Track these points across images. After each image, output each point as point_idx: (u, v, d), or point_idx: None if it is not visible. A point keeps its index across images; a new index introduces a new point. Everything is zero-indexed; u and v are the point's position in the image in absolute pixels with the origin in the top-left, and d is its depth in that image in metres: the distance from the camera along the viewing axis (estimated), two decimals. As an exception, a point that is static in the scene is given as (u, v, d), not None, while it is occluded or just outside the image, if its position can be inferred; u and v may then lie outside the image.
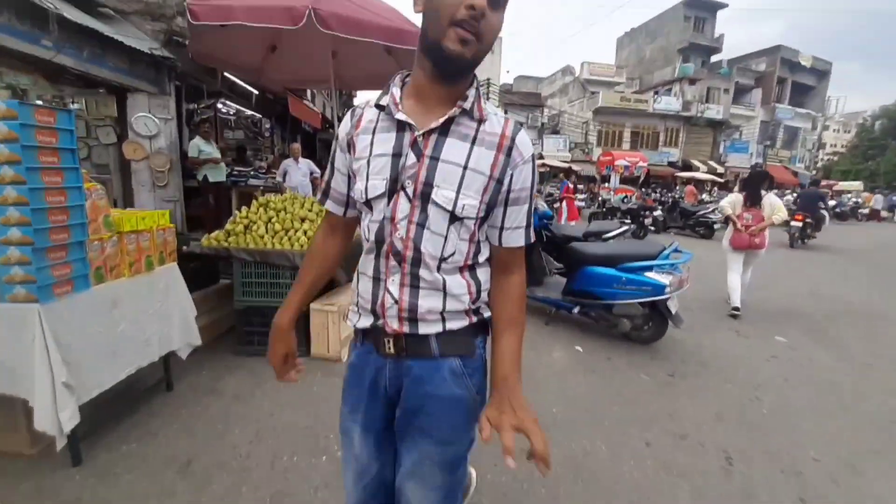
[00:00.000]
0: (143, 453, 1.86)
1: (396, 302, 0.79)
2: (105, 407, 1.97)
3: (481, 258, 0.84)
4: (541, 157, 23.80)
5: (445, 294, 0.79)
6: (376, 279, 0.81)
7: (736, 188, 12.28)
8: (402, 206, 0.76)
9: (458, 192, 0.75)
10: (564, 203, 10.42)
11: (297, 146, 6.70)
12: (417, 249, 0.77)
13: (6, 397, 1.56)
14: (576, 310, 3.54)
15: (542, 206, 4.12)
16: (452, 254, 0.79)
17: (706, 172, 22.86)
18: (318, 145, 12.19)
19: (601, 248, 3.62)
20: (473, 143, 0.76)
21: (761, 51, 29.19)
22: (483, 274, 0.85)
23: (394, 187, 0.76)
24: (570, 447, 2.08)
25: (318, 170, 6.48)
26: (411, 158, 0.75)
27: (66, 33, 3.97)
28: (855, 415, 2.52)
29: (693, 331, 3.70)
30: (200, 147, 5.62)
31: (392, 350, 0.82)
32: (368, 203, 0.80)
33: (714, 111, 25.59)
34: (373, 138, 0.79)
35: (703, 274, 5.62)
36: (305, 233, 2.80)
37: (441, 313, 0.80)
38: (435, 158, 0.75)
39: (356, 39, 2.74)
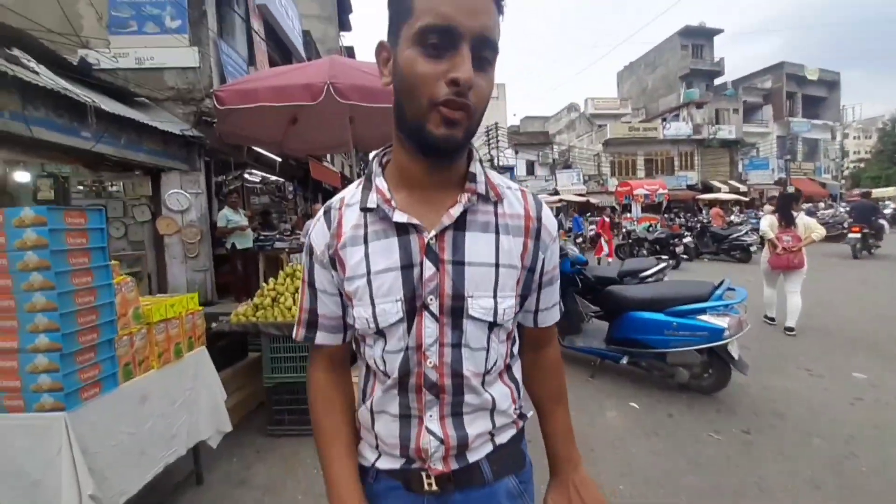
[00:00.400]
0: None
1: (442, 442, 0.63)
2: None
3: (515, 350, 0.73)
4: (556, 192, 23.91)
5: (493, 411, 0.66)
6: (405, 417, 0.64)
7: (766, 207, 11.83)
8: (429, 328, 0.60)
9: (495, 297, 0.61)
10: (602, 240, 10.00)
11: (318, 206, 6.86)
12: (458, 374, 0.62)
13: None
14: (624, 360, 3.26)
15: (574, 250, 3.96)
16: (495, 362, 0.65)
17: (729, 192, 22.36)
18: (337, 201, 12.55)
19: (644, 290, 3.39)
20: (497, 232, 0.62)
21: (765, 69, 29.40)
22: (517, 369, 0.73)
23: (413, 307, 0.60)
24: (649, 537, 1.78)
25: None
26: (429, 268, 0.59)
27: (104, 124, 4.26)
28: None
29: (759, 373, 3.34)
30: (228, 217, 5.81)
31: (435, 488, 0.65)
32: (379, 331, 0.62)
33: (726, 131, 25.47)
34: (367, 249, 0.61)
35: (753, 305, 5.22)
36: (333, 300, 2.72)
37: (490, 433, 0.67)
38: (459, 263, 0.60)
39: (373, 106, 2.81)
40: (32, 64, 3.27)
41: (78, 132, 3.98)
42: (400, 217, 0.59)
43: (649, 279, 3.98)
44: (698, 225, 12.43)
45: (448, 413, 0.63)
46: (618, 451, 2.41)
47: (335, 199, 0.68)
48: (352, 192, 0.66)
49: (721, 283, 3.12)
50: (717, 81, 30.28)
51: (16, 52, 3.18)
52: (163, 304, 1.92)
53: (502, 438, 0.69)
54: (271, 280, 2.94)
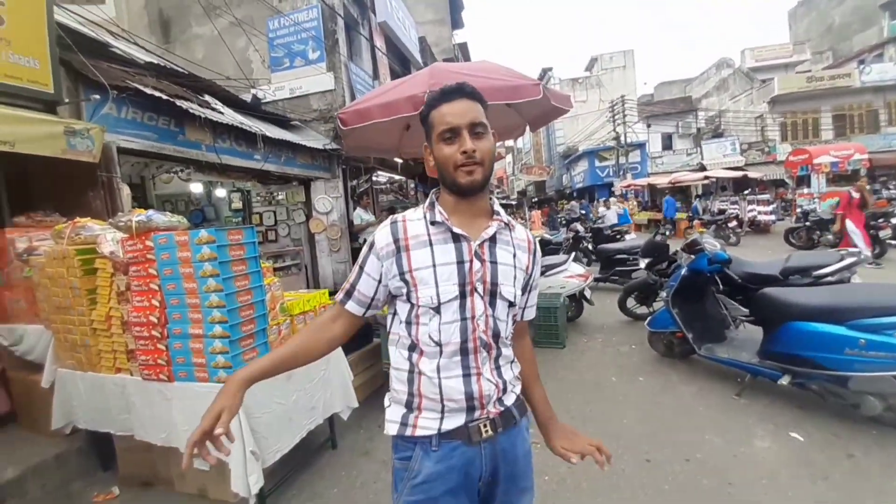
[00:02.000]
0: (310, 518, 2.05)
1: (496, 385, 0.92)
2: (285, 464, 2.28)
3: (512, 329, 1.03)
4: (702, 167, 20.40)
5: (512, 363, 1.00)
6: (467, 376, 0.89)
7: None
8: (479, 304, 0.90)
9: (514, 286, 0.94)
10: (850, 223, 7.05)
11: (437, 202, 7.28)
12: (497, 335, 0.93)
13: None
14: (784, 379, 2.63)
15: (712, 245, 3.33)
16: (509, 330, 0.97)
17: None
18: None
19: (816, 294, 2.67)
20: (514, 247, 0.96)
21: None
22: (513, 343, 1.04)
23: (463, 290, 0.88)
24: None
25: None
26: (477, 264, 0.89)
27: (269, 147, 5.24)
28: None
29: None
30: (362, 216, 6.63)
31: (489, 432, 0.90)
32: (438, 307, 0.88)
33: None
34: (432, 249, 0.89)
35: None
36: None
37: (512, 381, 0.98)
38: (494, 262, 0.92)
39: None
40: (219, 106, 4.23)
41: (252, 156, 5.00)
42: (458, 230, 0.90)
43: (827, 278, 3.11)
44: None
45: (494, 366, 0.93)
46: (767, 492, 1.98)
47: (398, 216, 0.96)
48: (411, 213, 0.96)
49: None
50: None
51: (206, 97, 4.14)
52: (302, 299, 2.32)
53: (517, 388, 1.00)
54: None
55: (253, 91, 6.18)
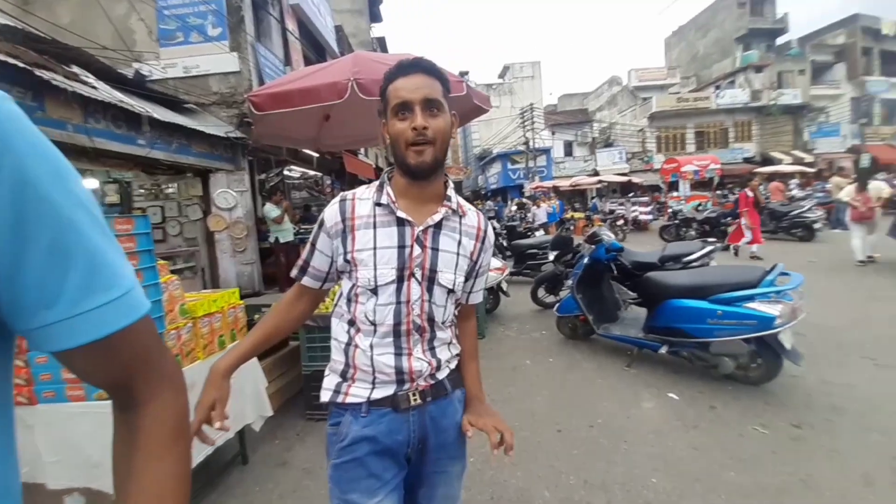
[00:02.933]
0: (222, 538, 1.86)
1: (429, 364, 0.95)
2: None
3: (455, 312, 1.06)
4: (595, 173, 22.91)
5: (450, 344, 1.02)
6: (398, 354, 0.93)
7: (834, 179, 10.69)
8: (415, 289, 0.91)
9: (455, 274, 0.95)
10: (745, 220, 7.58)
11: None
12: (432, 321, 0.95)
13: (93, 490, 1.64)
14: (663, 349, 3.13)
15: (608, 236, 3.80)
16: (448, 316, 0.99)
17: (792, 164, 20.34)
18: (374, 192, 12.83)
19: (686, 276, 3.21)
20: (460, 234, 0.96)
21: (836, 23, 26.03)
22: (455, 325, 1.08)
23: (401, 274, 0.90)
24: (682, 533, 1.73)
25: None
26: (417, 250, 0.91)
27: (157, 131, 4.60)
28: None
29: (815, 365, 3.08)
30: (272, 213, 6.13)
31: (418, 400, 0.94)
32: (375, 289, 0.90)
33: (790, 96, 23.01)
34: (375, 232, 0.91)
35: (815, 289, 4.79)
36: (364, 292, 2.82)
37: (448, 360, 1.01)
38: (436, 249, 0.93)
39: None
40: (91, 79, 3.59)
41: (134, 140, 4.33)
42: (401, 214, 0.90)
43: (693, 264, 3.75)
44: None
45: (427, 347, 0.96)
46: (653, 445, 2.34)
47: (349, 193, 0.96)
48: (362, 191, 0.96)
49: (773, 267, 2.88)
50: (780, 41, 27.31)
51: (75, 68, 3.49)
52: (207, 300, 2.09)
53: (452, 364, 1.03)
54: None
55: (136, 66, 5.35)
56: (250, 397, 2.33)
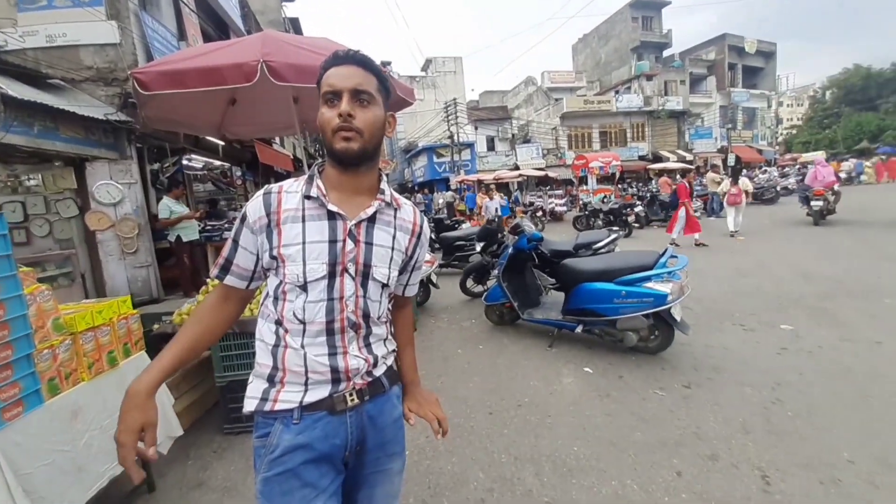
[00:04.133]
0: (124, 582, 1.62)
1: (366, 361, 0.92)
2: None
3: (390, 306, 1.04)
4: (516, 167, 24.13)
5: (386, 340, 0.99)
6: (333, 354, 0.88)
7: (709, 175, 12.59)
8: (348, 285, 0.88)
9: (389, 269, 0.93)
10: (683, 211, 7.90)
11: (270, 192, 6.53)
12: (367, 317, 0.92)
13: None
14: (578, 328, 3.42)
15: (530, 227, 4.03)
16: (383, 311, 0.97)
17: (676, 161, 23.50)
18: (292, 186, 12.04)
19: (596, 262, 3.53)
20: (395, 228, 0.95)
21: (709, 40, 30.64)
22: (391, 318, 1.06)
23: (333, 270, 0.86)
24: (601, 492, 1.91)
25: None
26: (350, 245, 0.87)
27: (13, 111, 3.80)
28: (878, 401, 2.43)
29: (699, 332, 3.61)
30: (172, 208, 5.41)
31: (356, 400, 0.91)
32: (304, 286, 0.85)
33: (674, 102, 26.55)
34: (304, 226, 0.86)
35: (697, 268, 5.60)
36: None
37: (385, 356, 0.98)
38: (369, 243, 0.90)
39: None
40: None
41: (-23, 121, 3.52)
42: (332, 207, 0.86)
43: (601, 251, 4.14)
44: (648, 194, 13.00)
45: (363, 344, 0.93)
46: (574, 416, 2.55)
47: (274, 186, 0.91)
48: (290, 184, 0.91)
49: (665, 251, 3.30)
50: (666, 53, 31.23)
51: None
52: (89, 312, 1.77)
53: (389, 361, 1.01)
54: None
55: (-24, 29, 4.34)
56: (153, 418, 2.05)
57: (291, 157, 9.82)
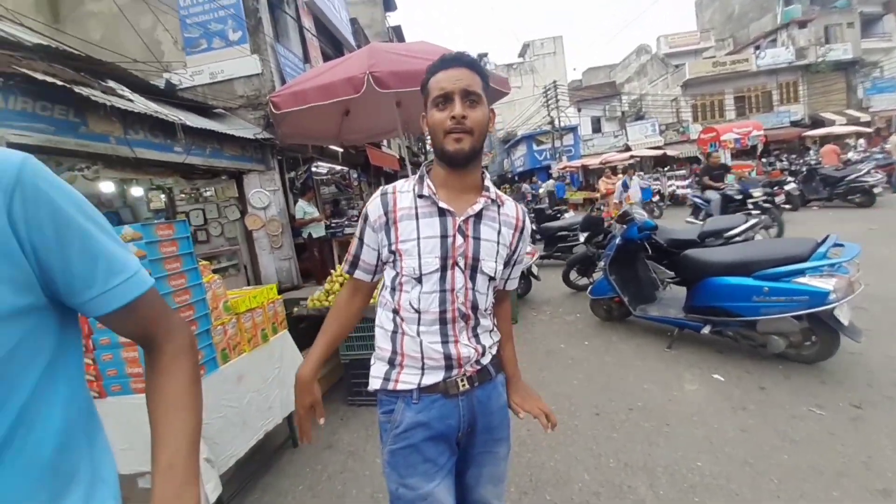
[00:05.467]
0: (276, 518, 1.99)
1: (475, 350, 0.98)
2: (244, 467, 2.17)
3: (493, 299, 1.08)
4: (627, 148, 21.94)
5: (491, 331, 1.06)
6: (445, 342, 0.96)
7: (893, 138, 9.69)
8: (459, 278, 0.95)
9: (496, 262, 0.98)
10: None
11: (379, 191, 7.15)
12: (475, 308, 0.98)
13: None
14: (705, 329, 2.99)
15: (641, 214, 3.64)
16: (489, 303, 1.02)
17: (846, 125, 18.67)
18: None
19: (728, 253, 3.03)
20: (500, 224, 0.99)
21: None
22: (492, 310, 1.09)
23: (445, 263, 0.93)
24: (731, 516, 1.67)
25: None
26: (459, 240, 0.94)
27: (191, 137, 4.80)
28: None
29: (878, 340, 2.85)
30: (305, 209, 6.31)
31: (466, 386, 0.98)
32: (419, 278, 0.93)
33: (840, 51, 20.96)
34: (418, 223, 0.94)
35: (877, 258, 4.41)
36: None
37: (490, 346, 1.04)
38: (477, 238, 0.96)
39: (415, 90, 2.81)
40: (126, 92, 3.77)
41: (171, 148, 4.54)
42: (443, 204, 0.93)
43: (736, 239, 3.54)
44: (804, 168, 10.60)
45: (472, 334, 0.99)
46: (698, 427, 2.26)
47: (389, 187, 0.99)
48: (402, 184, 0.99)
49: (825, 239, 2.67)
50: (828, -10, 24.80)
51: (110, 83, 3.68)
52: (248, 296, 2.19)
53: (494, 350, 1.06)
54: (339, 266, 3.16)
55: (166, 76, 5.59)
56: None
57: (397, 157, 10.52)
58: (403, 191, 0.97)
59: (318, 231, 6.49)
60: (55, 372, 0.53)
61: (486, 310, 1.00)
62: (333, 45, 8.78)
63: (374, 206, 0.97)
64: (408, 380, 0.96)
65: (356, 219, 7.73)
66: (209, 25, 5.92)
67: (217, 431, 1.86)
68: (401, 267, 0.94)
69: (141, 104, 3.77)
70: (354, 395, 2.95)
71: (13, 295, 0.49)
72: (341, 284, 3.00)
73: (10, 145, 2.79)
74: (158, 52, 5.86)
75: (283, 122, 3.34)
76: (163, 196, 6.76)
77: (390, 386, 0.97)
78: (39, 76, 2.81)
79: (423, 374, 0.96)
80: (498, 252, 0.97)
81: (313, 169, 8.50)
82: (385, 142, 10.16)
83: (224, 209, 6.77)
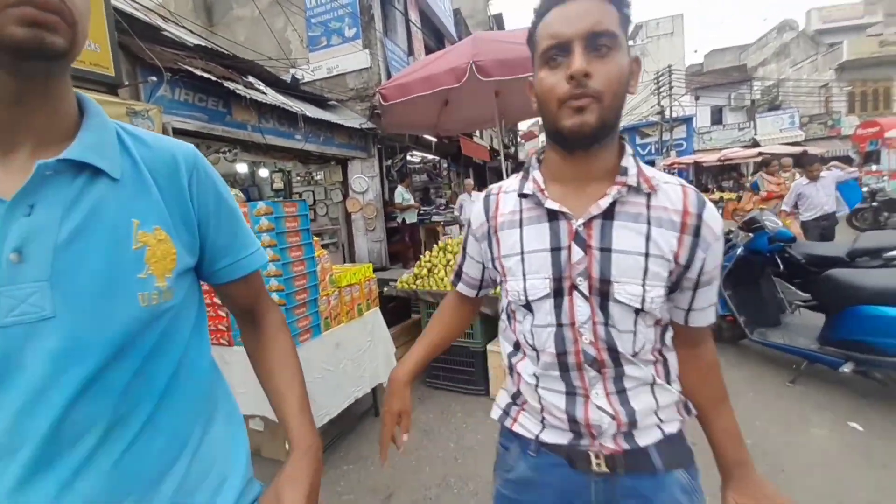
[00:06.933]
0: (356, 477, 2.18)
1: (613, 417, 0.67)
2: (333, 427, 2.42)
3: (669, 338, 0.73)
4: (755, 143, 18.96)
5: (655, 386, 0.69)
6: (571, 394, 0.69)
7: None
8: (581, 308, 0.66)
9: (643, 285, 0.64)
10: None
11: (469, 182, 7.24)
12: (613, 349, 0.67)
13: (268, 418, 2.06)
14: (846, 367, 2.47)
15: (774, 223, 3.11)
16: (643, 345, 0.68)
17: None
18: (487, 174, 12.92)
19: (885, 277, 2.47)
20: (649, 223, 0.65)
21: None
22: (672, 356, 0.73)
23: (559, 286, 0.67)
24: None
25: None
26: (577, 252, 0.66)
27: (309, 126, 5.35)
28: None
29: None
30: (404, 195, 6.72)
31: (603, 468, 0.69)
32: (528, 305, 0.70)
33: None
34: (521, 232, 0.71)
35: None
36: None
37: (656, 413, 0.69)
38: (606, 249, 0.65)
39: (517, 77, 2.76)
40: (262, 87, 4.34)
41: (293, 135, 5.13)
42: (551, 205, 0.67)
43: (900, 261, 2.86)
44: None
45: (612, 389, 0.68)
46: (821, 479, 1.91)
47: (494, 186, 0.80)
48: (509, 182, 0.78)
49: None
50: None
51: (251, 79, 4.26)
52: (348, 272, 2.40)
53: (671, 428, 0.70)
54: (427, 253, 3.29)
55: (292, 71, 6.28)
56: (382, 359, 2.64)
57: (488, 147, 10.51)
58: (509, 191, 0.75)
59: (411, 217, 6.86)
60: (201, 322, 0.65)
61: (636, 354, 0.67)
62: (436, 37, 9.00)
63: (476, 212, 0.79)
64: (526, 425, 0.76)
65: (443, 207, 7.95)
66: (330, 24, 6.49)
67: (315, 391, 2.09)
68: (506, 290, 0.73)
69: (272, 97, 4.31)
70: (433, 377, 3.07)
71: (188, 255, 0.59)
72: (429, 270, 3.12)
73: (174, 130, 3.42)
74: (287, 50, 6.61)
75: (387, 113, 3.54)
76: (283, 178, 7.72)
77: (508, 423, 0.79)
78: (199, 72, 3.37)
79: (543, 428, 0.73)
80: (647, 269, 0.64)
81: (408, 158, 8.92)
82: (477, 132, 10.21)
83: (330, 192, 7.49)
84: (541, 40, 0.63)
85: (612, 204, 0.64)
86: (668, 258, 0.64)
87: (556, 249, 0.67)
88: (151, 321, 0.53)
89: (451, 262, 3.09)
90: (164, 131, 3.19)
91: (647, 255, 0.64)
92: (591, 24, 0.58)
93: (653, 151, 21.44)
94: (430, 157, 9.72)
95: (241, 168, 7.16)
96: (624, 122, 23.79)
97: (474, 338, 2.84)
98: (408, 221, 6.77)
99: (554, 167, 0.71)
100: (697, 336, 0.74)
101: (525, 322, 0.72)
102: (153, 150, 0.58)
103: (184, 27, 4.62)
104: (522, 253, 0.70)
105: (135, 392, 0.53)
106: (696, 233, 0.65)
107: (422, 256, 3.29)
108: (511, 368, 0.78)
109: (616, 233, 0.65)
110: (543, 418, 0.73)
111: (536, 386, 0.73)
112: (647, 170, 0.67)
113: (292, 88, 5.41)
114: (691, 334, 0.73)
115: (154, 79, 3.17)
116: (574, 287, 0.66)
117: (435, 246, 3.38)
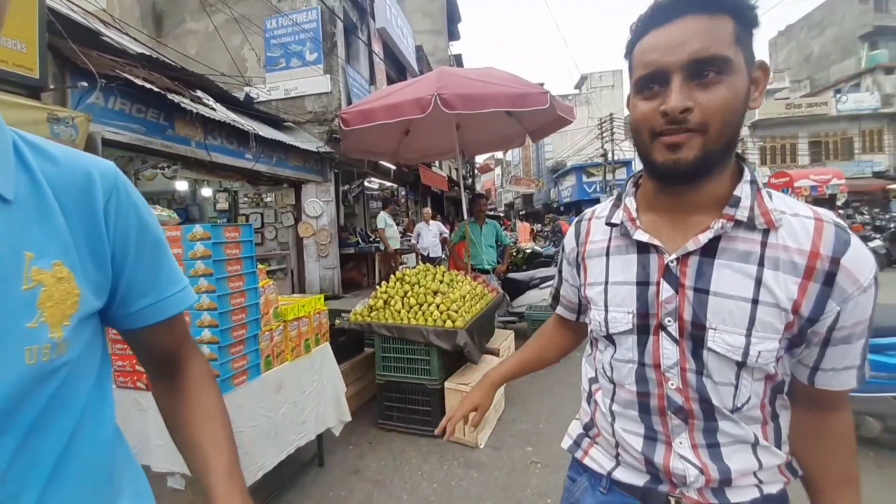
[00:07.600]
0: (296, 541, 1.90)
1: (702, 470, 0.60)
2: (266, 483, 2.12)
3: (784, 396, 0.62)
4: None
5: (756, 446, 0.59)
6: (650, 439, 0.63)
7: None
8: (668, 350, 0.60)
9: (748, 336, 0.55)
10: None
11: (427, 210, 7.23)
12: (706, 400, 0.59)
13: (188, 476, 1.76)
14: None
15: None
16: (748, 399, 0.58)
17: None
18: (444, 203, 13.10)
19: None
20: (762, 264, 0.55)
21: None
22: (784, 415, 0.62)
23: (645, 323, 0.62)
24: None
25: (446, 231, 6.81)
26: (667, 290, 0.60)
27: (261, 146, 5.11)
28: None
29: None
30: (386, 220, 6.56)
31: None
32: (610, 337, 0.67)
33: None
34: (608, 261, 0.67)
35: None
36: (438, 307, 2.78)
37: (755, 474, 0.60)
38: (702, 291, 0.57)
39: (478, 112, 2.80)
40: (211, 102, 4.10)
41: (243, 154, 4.86)
42: (641, 236, 0.62)
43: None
44: (892, 224, 9.54)
45: (702, 442, 0.60)
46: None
47: (587, 212, 0.77)
48: (602, 207, 0.74)
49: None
50: (923, 35, 22.84)
51: (199, 93, 4.01)
52: (296, 304, 2.19)
53: (770, 489, 0.60)
54: (384, 284, 3.14)
55: (246, 89, 6.06)
56: (332, 401, 2.40)
57: (446, 177, 10.69)
58: (600, 216, 0.72)
59: (394, 243, 6.80)
60: (103, 378, 0.52)
61: (735, 409, 0.58)
62: (398, 69, 9.19)
63: (569, 236, 0.78)
64: (598, 459, 0.71)
65: (401, 235, 7.86)
66: (290, 46, 6.40)
67: (249, 441, 1.83)
68: (590, 319, 0.71)
69: (222, 113, 4.07)
70: (386, 418, 2.85)
71: (94, 297, 0.48)
72: (385, 302, 2.97)
73: (105, 141, 3.08)
74: (243, 67, 6.39)
75: (347, 137, 3.45)
76: (228, 198, 7.25)
77: (578, 454, 0.75)
78: (139, 82, 3.11)
79: (617, 465, 0.68)
80: (753, 317, 0.54)
81: (366, 184, 8.80)
82: (436, 162, 10.37)
83: (280, 215, 7.13)
84: (636, 66, 0.58)
85: (716, 239, 0.57)
86: (784, 307, 0.54)
87: (642, 284, 0.62)
88: (39, 382, 0.41)
89: (408, 294, 2.96)
90: (92, 141, 2.86)
91: (755, 301, 0.55)
92: (694, 50, 0.52)
93: (598, 190, 23.07)
94: (389, 184, 9.68)
95: (181, 186, 6.65)
96: (571, 162, 25.57)
97: (430, 374, 2.68)
98: (393, 247, 6.78)
99: (649, 196, 0.65)
100: (826, 400, 0.61)
101: (605, 353, 0.69)
102: (61, 166, 0.47)
103: (127, 35, 4.30)
104: (607, 283, 0.67)
105: (14, 477, 0.40)
106: (829, 280, 0.53)
107: (378, 287, 3.13)
108: (590, 395, 0.75)
109: (717, 273, 0.57)
110: (618, 454, 0.68)
111: (613, 422, 0.68)
112: (776, 200, 0.57)
113: (245, 106, 5.18)
114: (818, 396, 0.61)
115: (85, 84, 2.87)
116: (661, 327, 0.60)
117: (392, 277, 3.24)
